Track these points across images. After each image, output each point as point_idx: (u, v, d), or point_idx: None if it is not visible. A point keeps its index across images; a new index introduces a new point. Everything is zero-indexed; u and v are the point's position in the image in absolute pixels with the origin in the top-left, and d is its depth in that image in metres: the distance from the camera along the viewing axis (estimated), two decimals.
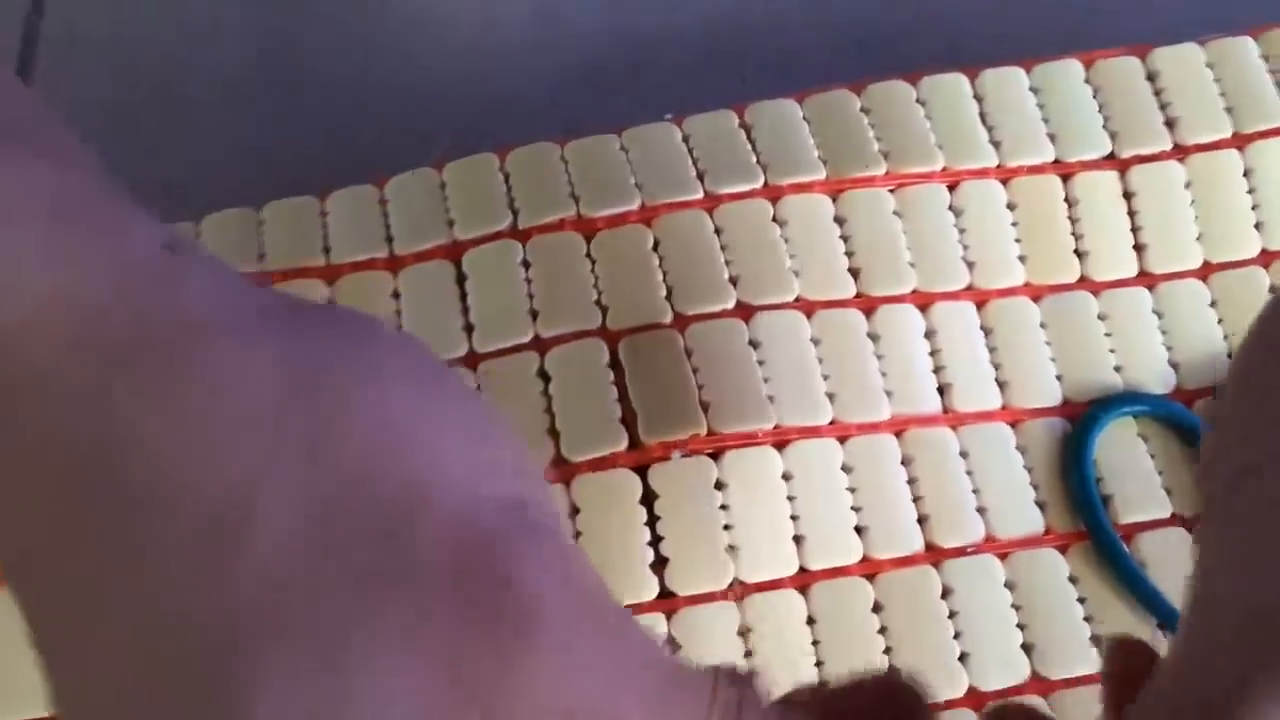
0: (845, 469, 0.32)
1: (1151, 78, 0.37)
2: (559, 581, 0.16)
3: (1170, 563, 0.32)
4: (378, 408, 0.16)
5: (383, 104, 0.43)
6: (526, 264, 0.35)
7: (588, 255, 0.35)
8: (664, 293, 0.34)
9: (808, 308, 0.34)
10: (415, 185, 0.37)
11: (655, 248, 0.35)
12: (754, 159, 0.36)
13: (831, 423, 0.33)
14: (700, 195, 0.35)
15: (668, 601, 0.31)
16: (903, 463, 0.33)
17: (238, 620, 0.15)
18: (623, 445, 0.32)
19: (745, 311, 0.34)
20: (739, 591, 0.31)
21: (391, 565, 0.15)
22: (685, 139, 0.36)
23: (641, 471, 0.31)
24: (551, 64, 0.43)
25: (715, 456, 0.32)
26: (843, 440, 0.33)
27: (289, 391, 0.16)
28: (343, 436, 0.16)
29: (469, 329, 0.34)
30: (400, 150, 0.41)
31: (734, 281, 0.34)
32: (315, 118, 0.43)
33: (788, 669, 0.30)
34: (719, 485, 0.32)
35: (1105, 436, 0.33)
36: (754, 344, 0.33)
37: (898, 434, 0.33)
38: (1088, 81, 0.37)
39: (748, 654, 0.30)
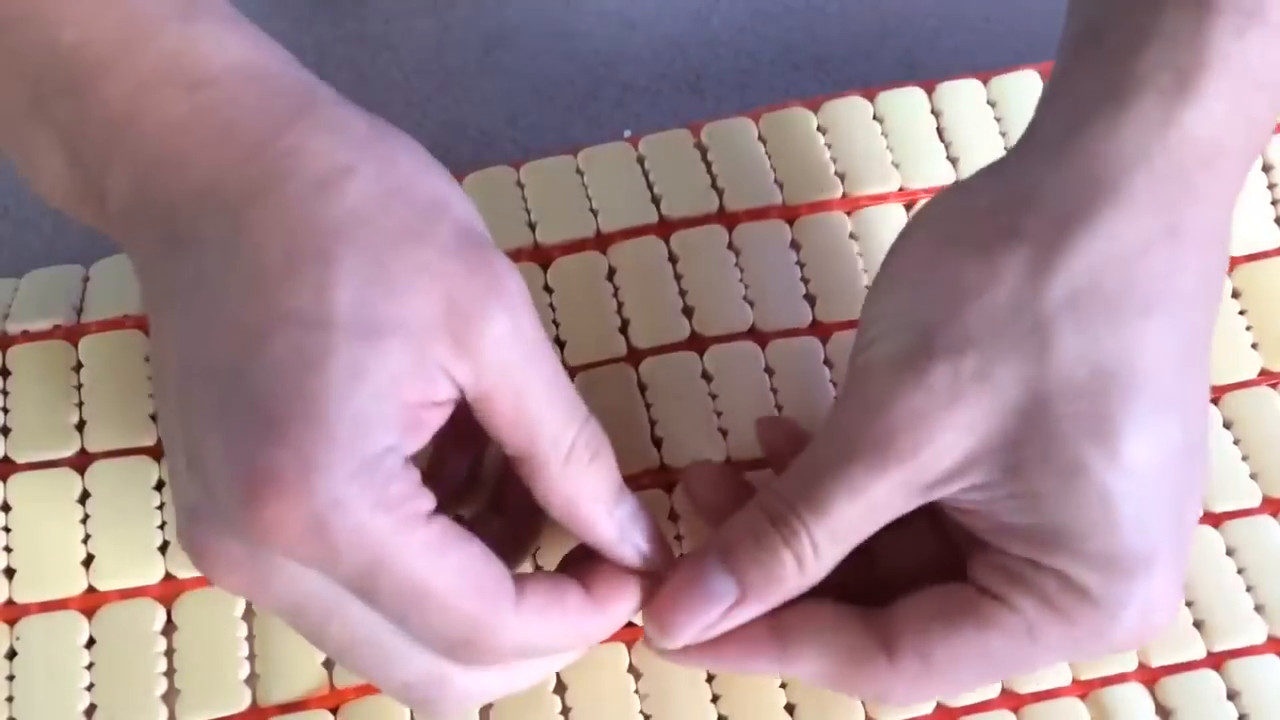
0: None
1: None
2: (517, 276, 0.27)
3: None
4: (417, 162, 0.28)
5: None
6: None
7: (545, 287, 0.37)
8: (619, 324, 0.36)
9: (762, 339, 0.36)
10: None
11: (611, 276, 0.37)
12: (710, 182, 0.38)
13: None
14: (655, 221, 0.37)
15: (631, 631, 0.33)
16: None
17: (330, 230, 0.25)
18: None
19: (699, 344, 0.36)
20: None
21: (423, 231, 0.26)
22: (641, 160, 0.39)
23: None
24: (508, 83, 0.45)
25: (669, 488, 0.34)
26: None
27: (371, 135, 0.27)
28: (397, 158, 0.27)
29: None
30: None
31: (688, 313, 0.36)
32: None
33: (752, 693, 0.32)
34: (673, 516, 0.34)
35: None
36: (707, 376, 0.36)
37: None
38: None
39: (711, 678, 0.33)
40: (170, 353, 0.27)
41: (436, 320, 0.25)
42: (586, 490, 0.27)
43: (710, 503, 0.32)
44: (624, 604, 0.29)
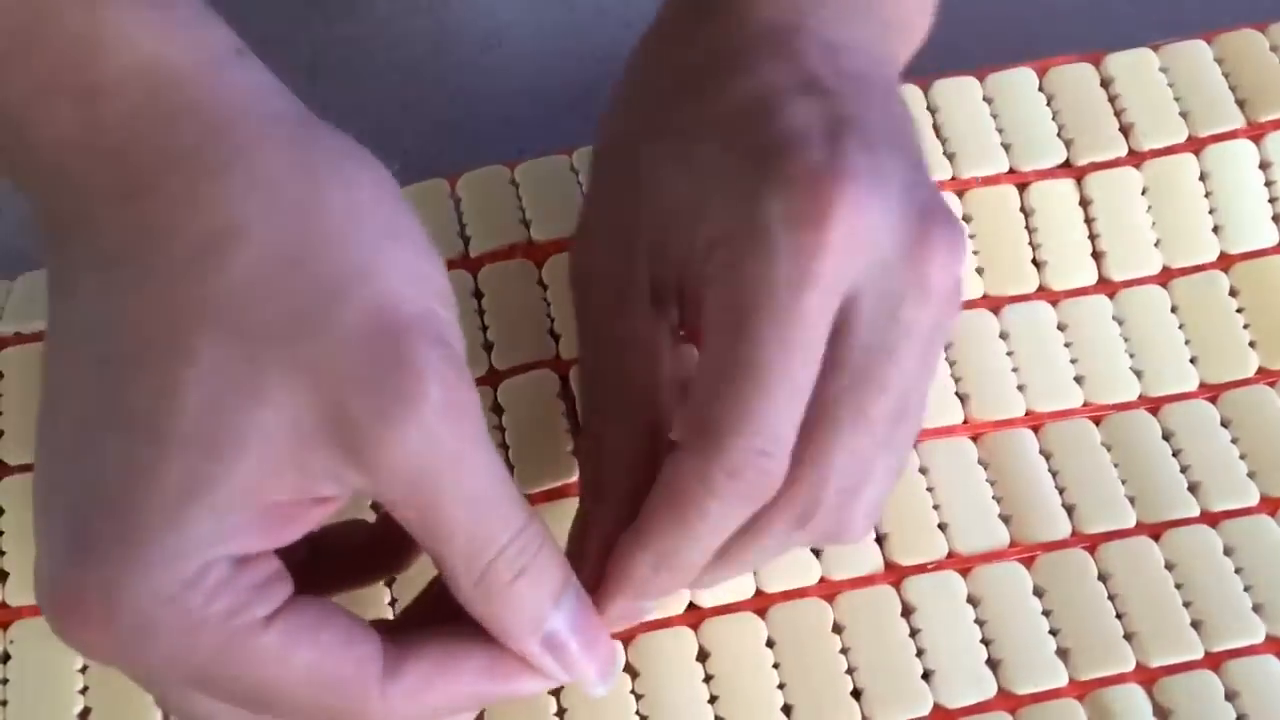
0: None
1: (1106, 84, 0.39)
2: (440, 378, 0.23)
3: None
4: (349, 203, 0.23)
5: (332, 126, 0.45)
6: (479, 294, 0.37)
7: (539, 282, 0.37)
8: None
9: None
10: None
11: None
12: None
13: None
14: None
15: (625, 631, 0.32)
16: None
17: (196, 315, 0.22)
18: (574, 476, 0.34)
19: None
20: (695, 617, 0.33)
21: (317, 318, 0.22)
22: None
23: None
24: (503, 84, 0.45)
25: None
26: None
27: (288, 177, 0.23)
28: (313, 212, 0.23)
29: None
30: None
31: None
32: None
33: (749, 693, 0.32)
34: None
35: None
36: None
37: None
38: (1041, 89, 0.39)
39: (708, 678, 0.32)
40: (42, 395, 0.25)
41: (317, 427, 0.22)
42: (501, 612, 0.25)
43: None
44: (529, 683, 0.26)
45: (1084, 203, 0.38)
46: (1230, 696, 0.32)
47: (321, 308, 0.22)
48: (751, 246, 0.25)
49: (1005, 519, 0.35)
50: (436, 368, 0.23)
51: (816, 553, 0.34)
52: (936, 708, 0.32)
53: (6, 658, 0.33)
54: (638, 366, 0.28)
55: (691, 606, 0.33)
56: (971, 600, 0.33)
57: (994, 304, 0.37)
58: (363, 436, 0.22)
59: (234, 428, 0.22)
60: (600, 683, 0.27)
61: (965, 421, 0.36)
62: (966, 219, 0.38)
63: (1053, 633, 0.33)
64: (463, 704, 0.26)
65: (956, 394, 0.36)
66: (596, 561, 0.27)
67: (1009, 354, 0.37)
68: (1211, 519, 0.35)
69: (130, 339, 0.22)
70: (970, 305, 0.37)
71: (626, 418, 0.28)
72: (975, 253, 0.37)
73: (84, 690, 0.32)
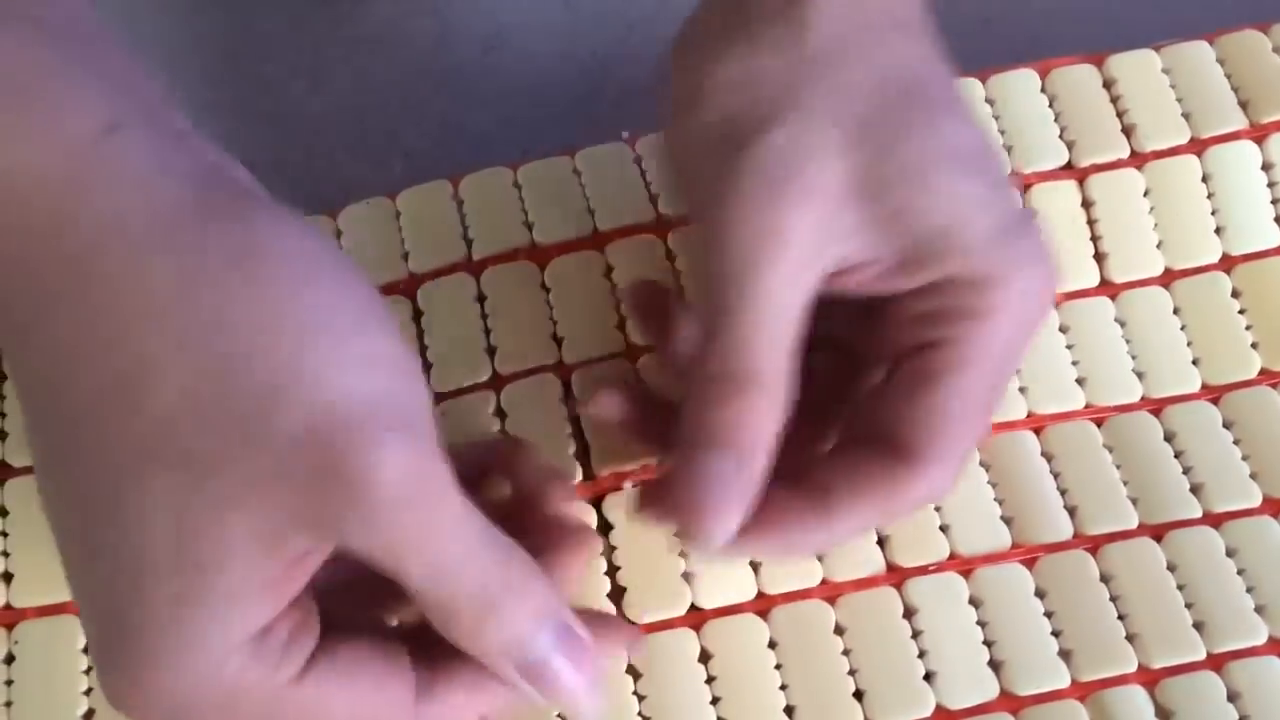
0: None
1: (1108, 85, 0.39)
2: (392, 468, 0.22)
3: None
4: (258, 307, 0.22)
5: (334, 126, 0.45)
6: (482, 297, 0.37)
7: (542, 285, 0.37)
8: (616, 321, 0.36)
9: None
10: (370, 216, 0.39)
11: (608, 274, 0.37)
12: None
13: None
14: (652, 219, 0.38)
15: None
16: None
17: (134, 451, 0.22)
18: (578, 479, 0.34)
19: None
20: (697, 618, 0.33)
21: (250, 437, 0.22)
22: (638, 160, 0.39)
23: (596, 502, 0.34)
24: (506, 85, 0.45)
25: None
26: None
27: (184, 294, 0.22)
28: (222, 329, 0.22)
29: (427, 368, 0.36)
30: (353, 173, 0.43)
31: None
32: (265, 140, 0.44)
33: (751, 695, 0.32)
34: None
35: None
36: None
37: None
38: (1043, 90, 0.39)
39: (709, 679, 0.33)
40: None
41: (287, 522, 0.22)
42: (470, 647, 0.25)
43: (648, 315, 0.33)
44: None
45: (1086, 204, 0.38)
46: (1232, 698, 0.32)
47: (253, 431, 0.22)
48: (1019, 309, 0.28)
49: (1007, 520, 0.35)
50: (385, 458, 0.22)
51: (819, 554, 0.34)
52: (939, 709, 0.32)
53: (11, 659, 0.33)
54: (795, 335, 0.28)
55: (693, 608, 0.33)
56: (973, 602, 0.33)
57: None
58: (328, 528, 0.23)
59: (205, 549, 0.22)
60: (588, 699, 0.27)
61: None
62: None
63: (1055, 634, 0.33)
64: (494, 710, 0.27)
65: None
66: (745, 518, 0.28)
67: None
68: (1214, 520, 0.35)
69: (80, 476, 0.23)
70: None
71: (785, 388, 0.28)
72: None
73: (88, 691, 0.33)
